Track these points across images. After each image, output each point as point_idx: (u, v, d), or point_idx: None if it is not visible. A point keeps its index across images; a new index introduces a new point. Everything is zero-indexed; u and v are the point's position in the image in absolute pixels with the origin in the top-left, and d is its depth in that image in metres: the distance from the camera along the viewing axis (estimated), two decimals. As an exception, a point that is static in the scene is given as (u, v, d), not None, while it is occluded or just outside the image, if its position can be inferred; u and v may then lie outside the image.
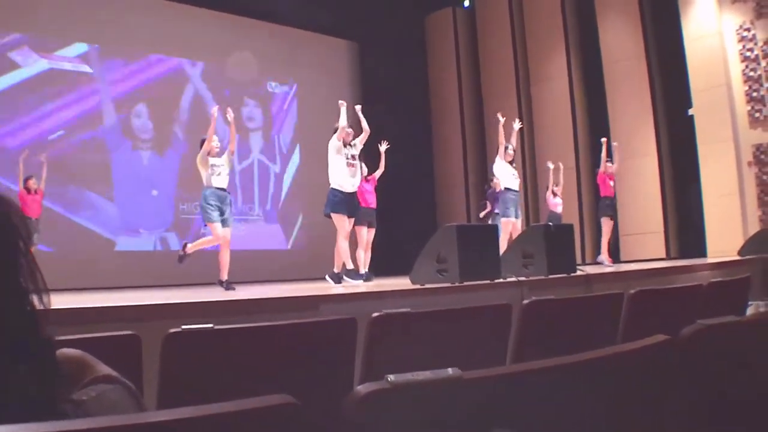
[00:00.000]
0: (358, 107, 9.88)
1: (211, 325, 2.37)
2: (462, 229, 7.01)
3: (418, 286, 6.53)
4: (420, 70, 18.30)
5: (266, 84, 16.04)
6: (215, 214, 8.72)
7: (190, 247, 9.21)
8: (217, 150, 9.04)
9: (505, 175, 11.02)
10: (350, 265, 9.07)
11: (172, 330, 2.30)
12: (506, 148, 11.13)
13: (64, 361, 1.12)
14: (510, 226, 10.73)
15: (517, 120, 11.97)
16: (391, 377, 1.08)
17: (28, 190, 11.19)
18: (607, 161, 12.28)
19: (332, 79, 17.09)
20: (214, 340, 2.38)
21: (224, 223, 8.82)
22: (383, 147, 11.42)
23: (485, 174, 12.82)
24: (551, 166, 13.88)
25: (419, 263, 6.96)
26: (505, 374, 1.26)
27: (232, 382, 2.27)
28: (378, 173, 11.02)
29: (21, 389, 0.98)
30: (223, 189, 8.91)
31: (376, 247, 10.45)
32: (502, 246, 9.47)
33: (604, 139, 12.52)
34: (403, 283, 7.11)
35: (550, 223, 8.78)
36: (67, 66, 13.11)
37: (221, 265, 8.89)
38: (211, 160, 8.89)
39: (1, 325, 1.01)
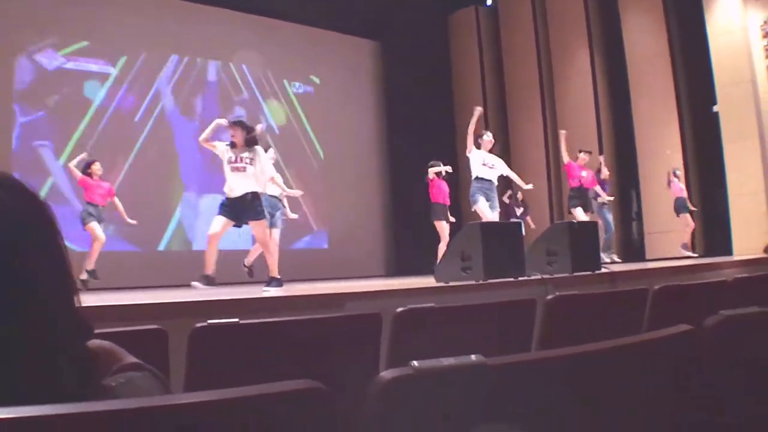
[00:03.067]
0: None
1: (237, 320, 2.39)
2: (486, 227, 7.01)
3: (442, 284, 6.54)
4: (443, 69, 18.28)
5: (289, 84, 16.07)
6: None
7: (250, 260, 10.32)
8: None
9: (476, 164, 10.67)
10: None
11: (199, 324, 2.32)
12: (480, 136, 10.95)
13: (93, 350, 1.15)
14: (488, 213, 10.35)
15: (562, 132, 12.49)
16: (415, 363, 1.10)
17: (90, 175, 10.59)
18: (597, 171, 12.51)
19: (355, 79, 17.12)
20: (240, 334, 2.41)
21: (272, 225, 9.81)
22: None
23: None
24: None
25: (444, 261, 6.97)
26: (529, 361, 1.27)
27: (257, 375, 2.28)
28: None
29: (59, 376, 1.01)
30: (273, 195, 9.95)
31: (400, 245, 10.50)
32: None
33: (563, 132, 12.77)
34: (426, 281, 7.13)
35: (574, 221, 8.72)
36: (93, 68, 13.20)
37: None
38: None
39: (53, 315, 1.04)
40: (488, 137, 10.95)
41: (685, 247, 13.36)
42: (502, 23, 17.87)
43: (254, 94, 15.44)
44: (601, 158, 13.83)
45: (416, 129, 12.40)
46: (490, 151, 10.94)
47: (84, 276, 10.06)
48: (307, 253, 15.61)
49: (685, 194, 13.72)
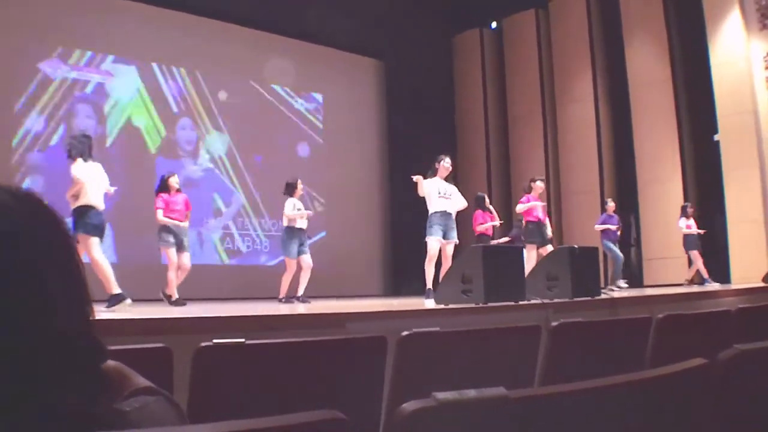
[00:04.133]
0: None
1: (242, 340, 2.37)
2: (487, 251, 7.01)
3: (442, 306, 6.53)
4: (446, 90, 18.34)
5: (293, 100, 16.09)
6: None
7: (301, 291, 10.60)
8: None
9: (433, 195, 9.68)
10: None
11: (204, 344, 2.30)
12: (439, 161, 9.93)
13: (105, 372, 1.13)
14: (437, 245, 9.49)
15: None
16: (437, 395, 1.08)
17: (169, 189, 9.82)
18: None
19: (359, 97, 17.18)
20: (245, 355, 2.38)
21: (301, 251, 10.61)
22: None
23: (510, 196, 12.77)
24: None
25: (444, 283, 6.96)
26: (550, 394, 1.26)
27: (262, 397, 2.27)
28: None
29: (70, 397, 0.98)
30: (300, 228, 10.70)
31: (399, 266, 10.49)
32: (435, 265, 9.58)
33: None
34: (422, 302, 7.11)
35: (575, 246, 8.69)
36: (96, 77, 13.23)
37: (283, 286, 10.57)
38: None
39: (67, 333, 1.02)
40: (447, 163, 9.99)
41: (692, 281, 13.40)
42: (506, 46, 17.94)
43: (259, 109, 15.44)
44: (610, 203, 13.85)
45: (417, 149, 12.37)
46: (446, 179, 10.01)
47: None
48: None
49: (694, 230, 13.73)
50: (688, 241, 13.66)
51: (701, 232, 13.57)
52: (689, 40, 14.89)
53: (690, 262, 13.73)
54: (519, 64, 17.52)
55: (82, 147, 8.09)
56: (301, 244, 10.58)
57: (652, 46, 15.15)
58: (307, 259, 10.58)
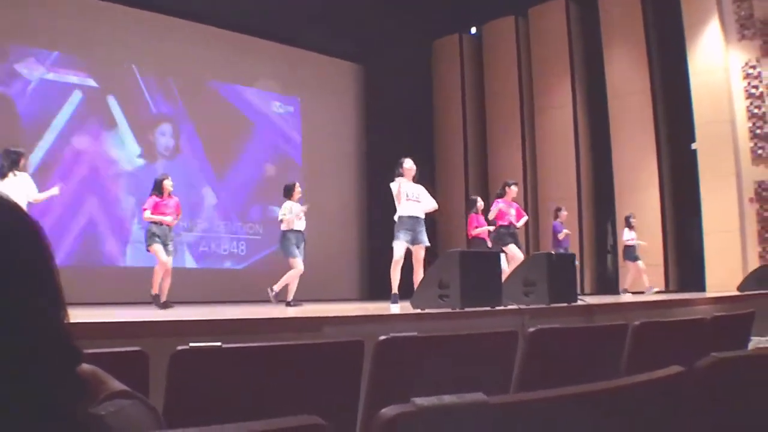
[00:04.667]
0: None
1: (219, 344, 2.36)
2: (464, 256, 7.00)
3: (418, 311, 6.52)
4: (425, 94, 18.39)
5: (271, 104, 16.07)
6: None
7: (278, 287, 10.62)
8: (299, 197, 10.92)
9: (401, 199, 9.49)
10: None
11: (180, 347, 2.29)
12: (401, 164, 9.75)
13: (80, 376, 1.12)
14: (402, 250, 9.36)
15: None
16: (416, 400, 1.08)
17: (162, 192, 9.95)
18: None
19: (338, 101, 17.19)
20: (222, 358, 2.37)
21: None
22: None
23: (488, 201, 12.70)
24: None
25: (421, 288, 6.96)
26: (528, 400, 1.26)
27: (239, 400, 2.26)
28: None
29: (46, 402, 0.97)
30: (298, 230, 10.67)
31: (375, 270, 10.48)
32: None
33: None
34: (401, 306, 7.10)
35: (552, 252, 8.70)
36: (73, 79, 13.16)
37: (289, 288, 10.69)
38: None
39: (41, 337, 1.01)
40: (408, 164, 9.77)
41: (649, 290, 13.47)
42: (486, 52, 17.98)
43: (236, 112, 15.41)
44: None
45: (395, 153, 12.33)
46: (413, 180, 9.80)
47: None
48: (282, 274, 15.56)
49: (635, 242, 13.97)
50: (628, 252, 13.95)
51: (643, 243, 13.85)
52: (668, 49, 14.97)
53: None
54: (498, 70, 17.57)
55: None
56: (298, 247, 10.57)
57: (631, 54, 15.23)
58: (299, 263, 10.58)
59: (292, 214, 10.52)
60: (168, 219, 9.87)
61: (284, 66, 15.97)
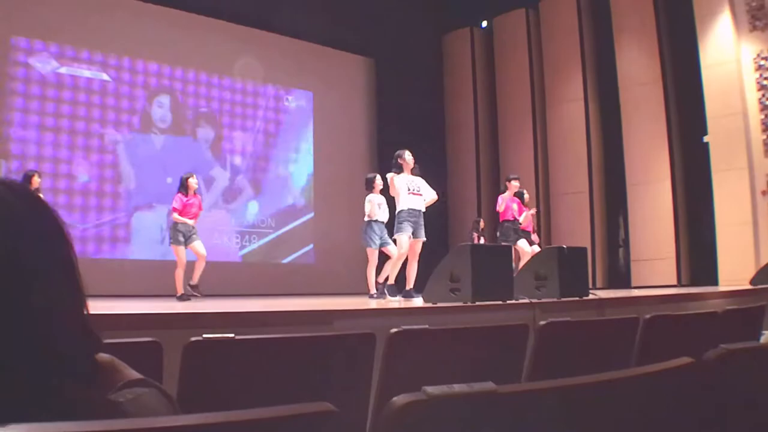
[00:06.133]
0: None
1: (232, 335, 2.38)
2: (476, 249, 7.00)
3: (430, 305, 6.53)
4: (436, 88, 18.36)
5: (283, 98, 16.09)
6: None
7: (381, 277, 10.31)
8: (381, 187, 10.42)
9: (402, 192, 9.46)
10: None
11: (194, 338, 2.31)
12: (400, 155, 9.71)
13: (99, 364, 1.14)
14: (408, 242, 9.37)
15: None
16: (427, 389, 1.09)
17: (188, 190, 10.22)
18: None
19: (348, 95, 17.18)
20: (235, 350, 2.39)
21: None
22: None
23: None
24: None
25: (432, 282, 6.96)
26: (538, 389, 1.27)
27: (250, 391, 2.28)
28: None
29: (65, 389, 0.99)
30: (379, 221, 10.29)
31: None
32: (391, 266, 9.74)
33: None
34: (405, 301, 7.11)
35: (564, 246, 8.67)
36: (86, 73, 13.21)
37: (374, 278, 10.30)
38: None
39: (63, 326, 1.03)
40: (408, 156, 9.71)
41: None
42: (497, 46, 17.95)
43: (248, 107, 15.45)
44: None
45: (407, 146, 12.33)
46: (411, 172, 9.74)
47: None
48: (293, 267, 15.61)
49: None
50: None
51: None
52: (679, 41, 14.90)
53: None
54: (509, 63, 17.54)
55: None
56: (381, 236, 10.18)
57: (642, 46, 15.16)
58: (392, 249, 9.97)
59: (374, 205, 10.25)
60: (190, 222, 10.10)
61: (294, 60, 15.97)
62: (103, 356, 1.19)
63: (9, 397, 0.94)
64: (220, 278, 13.57)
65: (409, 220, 9.33)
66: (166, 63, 14.26)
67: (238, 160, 15.16)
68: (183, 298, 9.80)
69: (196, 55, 14.53)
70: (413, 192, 9.51)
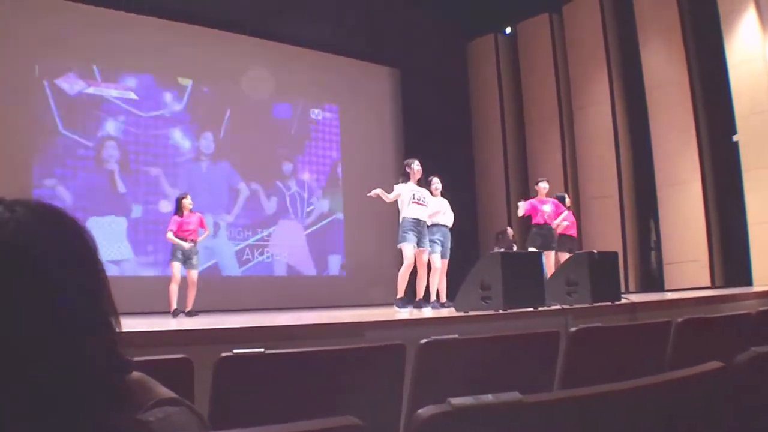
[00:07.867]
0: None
1: (262, 350, 2.39)
2: (506, 257, 7.00)
3: (461, 314, 6.53)
4: (462, 96, 18.34)
5: (309, 111, 16.14)
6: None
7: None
8: None
9: (406, 200, 9.45)
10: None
11: (224, 354, 2.32)
12: (408, 165, 9.75)
13: (128, 383, 1.15)
14: (413, 252, 9.27)
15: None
16: (453, 400, 1.10)
17: (182, 210, 10.41)
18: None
19: (374, 106, 17.18)
20: (265, 365, 2.41)
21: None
22: None
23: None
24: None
25: (463, 291, 6.95)
26: (564, 398, 1.27)
27: (283, 406, 2.29)
28: None
29: (95, 413, 0.99)
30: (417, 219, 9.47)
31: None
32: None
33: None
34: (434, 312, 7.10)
35: (595, 251, 8.61)
36: (114, 93, 13.33)
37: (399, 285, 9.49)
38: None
39: (91, 351, 1.03)
40: (417, 166, 9.72)
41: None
42: (521, 51, 17.91)
43: (276, 120, 15.51)
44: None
45: (435, 156, 12.32)
46: (418, 183, 9.74)
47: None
48: (323, 279, 15.64)
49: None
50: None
51: None
52: (705, 40, 14.77)
53: None
54: (534, 68, 17.49)
55: None
56: (419, 239, 9.43)
57: (668, 47, 15.04)
58: (434, 259, 9.71)
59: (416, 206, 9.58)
60: (185, 245, 10.32)
61: (319, 72, 16.00)
62: (133, 374, 1.19)
63: (40, 424, 0.94)
64: (253, 291, 13.66)
65: (412, 230, 9.30)
66: (195, 80, 14.34)
67: (265, 175, 15.19)
68: (176, 313, 10.10)
69: (219, 70, 14.57)
70: (417, 201, 9.46)
